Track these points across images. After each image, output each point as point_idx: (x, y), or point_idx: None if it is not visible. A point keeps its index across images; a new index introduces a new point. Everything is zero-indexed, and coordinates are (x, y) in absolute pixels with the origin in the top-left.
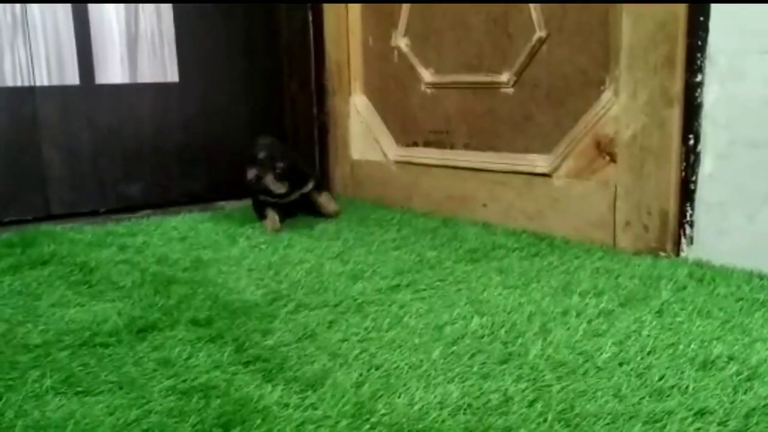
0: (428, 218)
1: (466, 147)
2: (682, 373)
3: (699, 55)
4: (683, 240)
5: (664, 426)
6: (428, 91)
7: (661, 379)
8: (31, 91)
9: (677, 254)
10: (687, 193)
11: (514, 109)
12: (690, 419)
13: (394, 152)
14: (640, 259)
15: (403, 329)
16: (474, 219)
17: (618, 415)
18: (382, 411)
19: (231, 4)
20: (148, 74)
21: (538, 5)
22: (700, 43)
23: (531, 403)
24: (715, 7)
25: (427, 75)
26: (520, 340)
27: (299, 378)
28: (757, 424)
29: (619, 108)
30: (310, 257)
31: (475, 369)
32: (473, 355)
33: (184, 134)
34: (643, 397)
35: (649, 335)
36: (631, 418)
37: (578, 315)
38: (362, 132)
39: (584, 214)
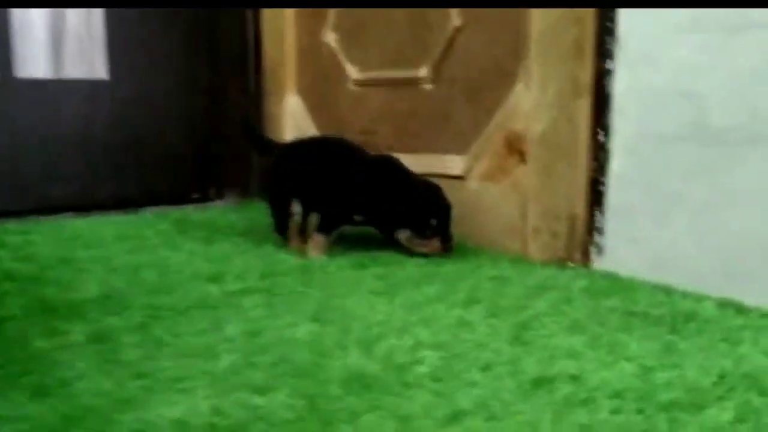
0: None
1: (390, 149)
2: (501, 393)
3: (609, 38)
4: (592, 249)
5: None
6: (355, 89)
7: (468, 399)
8: None
9: (586, 264)
10: (596, 196)
11: (434, 106)
12: None
13: None
14: (545, 270)
15: (216, 335)
16: None
17: None
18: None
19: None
20: (74, 70)
21: None
22: (609, 24)
23: (292, 419)
24: None
25: (353, 72)
26: (336, 352)
27: (32, 385)
28: None
29: (530, 101)
30: (182, 258)
31: (257, 381)
32: (274, 364)
33: (113, 135)
34: (433, 420)
35: (494, 350)
36: None
37: (428, 325)
38: (295, 133)
39: (496, 220)
